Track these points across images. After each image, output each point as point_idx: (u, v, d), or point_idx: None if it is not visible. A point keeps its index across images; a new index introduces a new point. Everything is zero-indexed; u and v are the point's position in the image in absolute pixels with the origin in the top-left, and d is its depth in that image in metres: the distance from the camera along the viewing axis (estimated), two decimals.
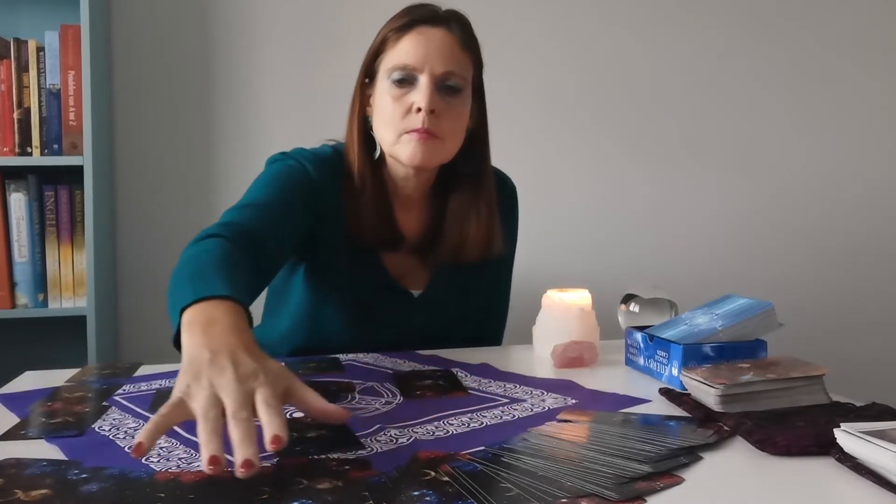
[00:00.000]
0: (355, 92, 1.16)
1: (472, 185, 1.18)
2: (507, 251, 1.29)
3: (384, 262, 1.19)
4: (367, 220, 1.14)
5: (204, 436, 0.59)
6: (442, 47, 1.08)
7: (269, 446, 0.58)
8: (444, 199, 1.20)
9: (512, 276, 1.36)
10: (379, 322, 1.19)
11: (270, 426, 0.60)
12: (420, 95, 1.07)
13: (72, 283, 1.77)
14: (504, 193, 1.28)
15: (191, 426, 0.76)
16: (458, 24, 1.12)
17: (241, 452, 0.57)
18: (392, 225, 1.17)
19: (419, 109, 1.06)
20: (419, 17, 1.10)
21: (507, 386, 0.93)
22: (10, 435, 0.74)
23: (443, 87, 1.08)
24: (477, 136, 1.18)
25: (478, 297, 1.27)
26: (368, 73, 1.15)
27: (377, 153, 1.16)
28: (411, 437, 0.72)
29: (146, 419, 0.79)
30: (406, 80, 1.08)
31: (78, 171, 1.73)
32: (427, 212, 1.21)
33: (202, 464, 0.57)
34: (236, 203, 1.06)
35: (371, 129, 1.15)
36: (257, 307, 1.30)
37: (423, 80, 1.07)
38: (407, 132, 1.08)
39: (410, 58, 1.08)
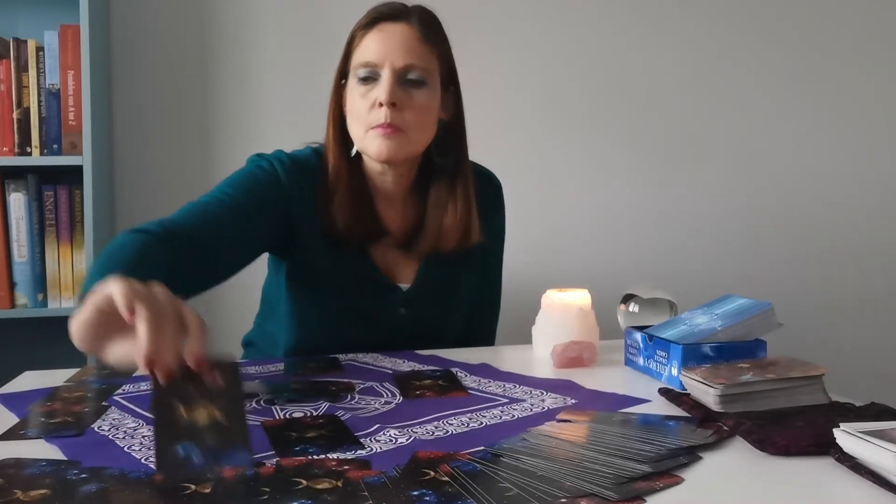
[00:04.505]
0: (332, 92, 1.19)
1: (449, 175, 1.20)
2: (496, 247, 1.31)
3: (372, 258, 1.20)
4: (344, 213, 1.15)
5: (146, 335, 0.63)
6: (402, 42, 1.10)
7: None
8: (427, 192, 1.22)
9: (502, 274, 1.36)
10: (368, 317, 1.20)
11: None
12: (381, 90, 1.09)
13: (71, 283, 1.77)
14: (490, 191, 1.30)
15: None
16: (418, 18, 1.13)
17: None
18: (372, 217, 1.18)
19: (381, 104, 1.09)
20: (381, 14, 1.13)
21: (507, 386, 0.93)
22: (10, 435, 0.74)
23: (405, 81, 1.10)
24: (452, 127, 1.20)
25: (466, 292, 1.28)
26: (343, 73, 1.17)
27: (354, 150, 1.17)
28: (411, 437, 0.72)
29: (146, 419, 0.79)
30: (370, 77, 1.10)
31: (77, 171, 1.73)
32: (411, 206, 1.23)
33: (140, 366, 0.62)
34: (198, 198, 1.09)
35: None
36: (247, 313, 1.31)
37: (385, 75, 1.09)
38: (372, 128, 1.10)
39: (372, 55, 1.10)
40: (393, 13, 1.12)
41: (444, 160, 1.19)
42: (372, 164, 1.17)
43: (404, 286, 1.22)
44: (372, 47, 1.10)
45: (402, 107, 1.09)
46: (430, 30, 1.13)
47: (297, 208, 1.14)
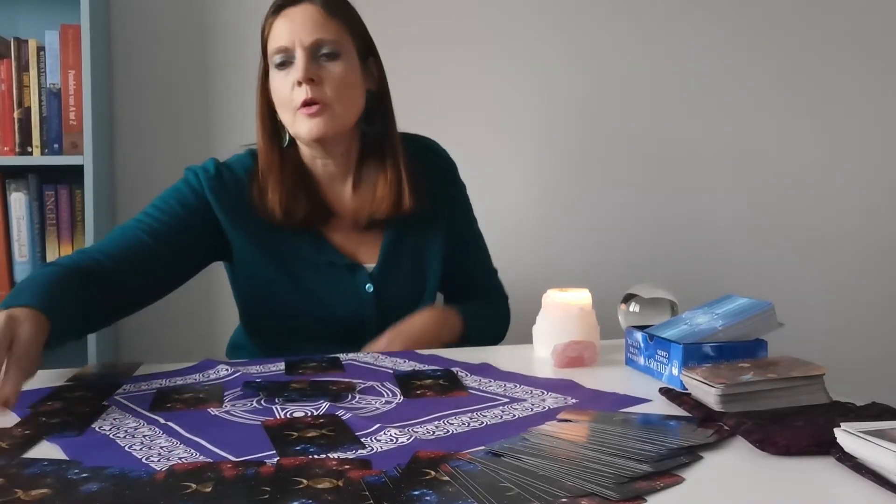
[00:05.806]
0: (258, 89, 1.21)
1: (379, 146, 1.22)
2: (463, 217, 1.34)
3: (330, 241, 1.22)
4: (279, 201, 1.17)
5: None
6: (306, 20, 1.13)
7: None
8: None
9: (484, 242, 1.38)
10: (331, 299, 1.22)
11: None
12: (297, 69, 1.12)
13: None
14: (437, 162, 1.32)
15: (193, 427, 0.76)
16: None
17: None
18: (312, 201, 1.20)
19: (300, 83, 1.12)
20: (284, 0, 1.16)
21: (507, 386, 0.93)
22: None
23: (319, 57, 1.13)
24: (378, 98, 1.23)
25: (434, 270, 1.28)
26: (265, 69, 1.20)
27: (287, 141, 1.20)
28: (411, 436, 0.72)
29: (146, 419, 0.79)
30: (286, 62, 1.14)
31: (78, 170, 1.73)
32: (359, 185, 1.25)
33: None
34: (127, 220, 1.17)
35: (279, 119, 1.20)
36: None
37: (298, 55, 1.12)
38: (298, 109, 1.13)
39: (282, 40, 1.13)
40: None
41: (371, 130, 1.22)
42: (308, 152, 1.20)
43: (370, 265, 1.24)
44: (280, 32, 1.14)
45: (320, 81, 1.12)
46: (334, 4, 1.16)
47: (227, 215, 1.18)
